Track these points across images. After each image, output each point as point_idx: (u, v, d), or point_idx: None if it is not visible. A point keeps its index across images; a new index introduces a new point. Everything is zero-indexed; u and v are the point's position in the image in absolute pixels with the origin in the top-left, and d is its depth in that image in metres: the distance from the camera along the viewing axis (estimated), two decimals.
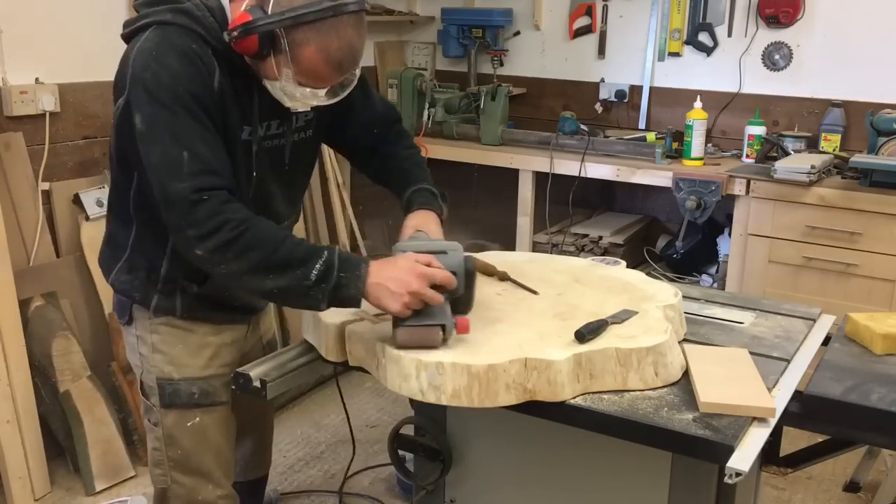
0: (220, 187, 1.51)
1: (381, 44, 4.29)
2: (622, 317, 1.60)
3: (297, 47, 1.50)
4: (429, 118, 3.78)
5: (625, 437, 1.40)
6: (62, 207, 2.85)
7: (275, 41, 1.51)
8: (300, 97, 1.59)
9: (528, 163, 3.55)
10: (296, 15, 1.48)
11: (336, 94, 1.63)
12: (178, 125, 1.51)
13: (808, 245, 3.05)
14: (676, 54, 3.80)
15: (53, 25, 2.81)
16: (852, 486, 2.73)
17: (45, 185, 2.81)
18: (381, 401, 3.31)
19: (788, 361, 1.63)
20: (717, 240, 3.59)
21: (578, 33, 4.01)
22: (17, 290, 2.59)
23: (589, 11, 3.96)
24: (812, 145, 3.46)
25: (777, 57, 3.57)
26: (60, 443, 2.77)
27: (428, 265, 1.50)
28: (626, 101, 3.91)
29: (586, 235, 3.70)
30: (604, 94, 3.96)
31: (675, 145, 3.49)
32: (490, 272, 1.85)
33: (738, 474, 1.25)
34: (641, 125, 3.91)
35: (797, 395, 1.50)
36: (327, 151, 3.66)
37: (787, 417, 1.47)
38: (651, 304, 1.67)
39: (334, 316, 1.61)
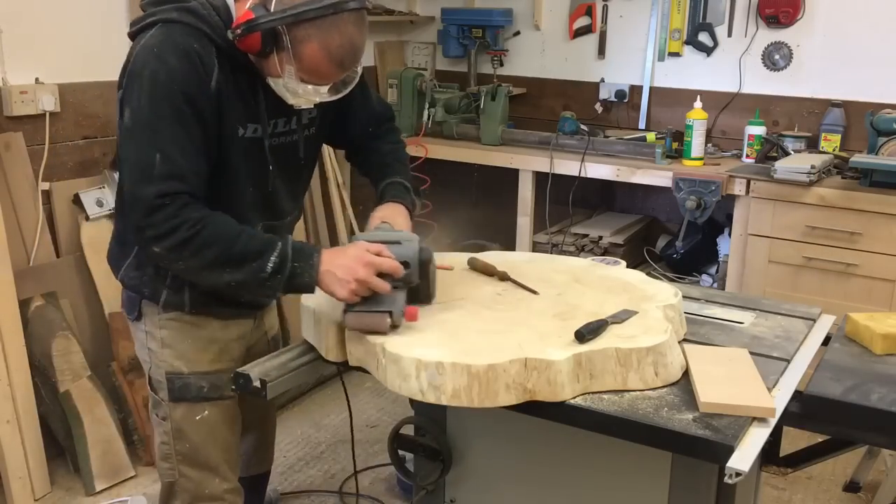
0: (182, 192, 1.55)
1: (381, 44, 4.29)
2: (622, 317, 1.60)
3: (299, 44, 1.53)
4: (429, 118, 3.78)
5: (625, 437, 1.40)
6: (62, 207, 2.85)
7: (277, 38, 1.54)
8: (303, 94, 1.62)
9: (528, 163, 3.55)
10: (298, 12, 1.51)
11: (338, 91, 1.66)
12: (159, 124, 1.55)
13: (808, 245, 3.05)
14: (676, 54, 3.80)
15: (53, 25, 2.81)
16: (852, 486, 2.73)
17: (45, 185, 2.81)
18: (381, 401, 3.31)
19: (788, 361, 1.63)
20: (717, 240, 3.59)
21: (578, 33, 4.00)
22: (17, 290, 2.60)
23: (589, 11, 3.95)
24: (812, 145, 3.46)
25: (777, 57, 3.57)
26: (60, 443, 2.77)
27: (378, 254, 1.55)
28: (626, 101, 3.91)
29: (586, 235, 3.70)
30: (604, 94, 3.96)
31: (675, 145, 3.48)
32: (490, 272, 1.85)
33: (738, 474, 1.25)
34: (641, 125, 3.91)
35: (797, 395, 1.50)
36: (327, 151, 3.66)
37: (787, 417, 1.47)
38: (651, 304, 1.67)
39: (334, 316, 1.62)
